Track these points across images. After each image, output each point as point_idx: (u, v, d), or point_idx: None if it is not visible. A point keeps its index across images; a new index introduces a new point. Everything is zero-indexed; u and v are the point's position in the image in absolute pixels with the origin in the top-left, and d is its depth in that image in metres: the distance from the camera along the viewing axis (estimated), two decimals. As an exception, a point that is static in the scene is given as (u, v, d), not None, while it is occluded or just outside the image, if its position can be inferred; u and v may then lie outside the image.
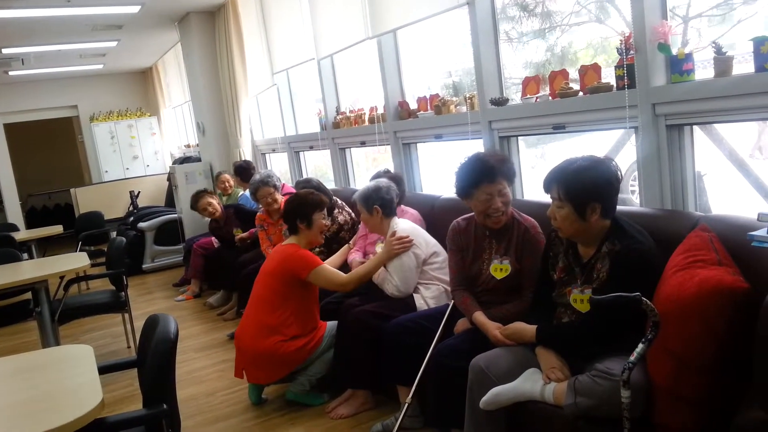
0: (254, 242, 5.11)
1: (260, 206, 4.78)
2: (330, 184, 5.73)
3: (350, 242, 3.94)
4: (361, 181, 5.49)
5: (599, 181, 2.16)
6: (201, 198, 5.63)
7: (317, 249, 4.13)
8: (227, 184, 6.46)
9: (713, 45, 2.39)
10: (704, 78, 2.50)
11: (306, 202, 3.39)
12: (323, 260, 3.49)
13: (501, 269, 2.69)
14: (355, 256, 3.66)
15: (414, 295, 3.19)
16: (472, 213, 2.80)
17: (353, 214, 4.19)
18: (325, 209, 3.46)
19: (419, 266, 3.21)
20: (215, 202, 5.66)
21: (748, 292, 1.78)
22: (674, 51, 2.55)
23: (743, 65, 2.41)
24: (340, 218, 4.06)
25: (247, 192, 5.56)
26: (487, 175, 2.61)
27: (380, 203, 3.28)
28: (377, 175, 3.75)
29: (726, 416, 1.76)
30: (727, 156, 2.83)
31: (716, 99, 2.40)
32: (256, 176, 4.70)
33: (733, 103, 2.35)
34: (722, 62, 2.37)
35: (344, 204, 4.29)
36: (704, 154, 2.77)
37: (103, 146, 10.71)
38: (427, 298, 3.15)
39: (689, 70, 2.52)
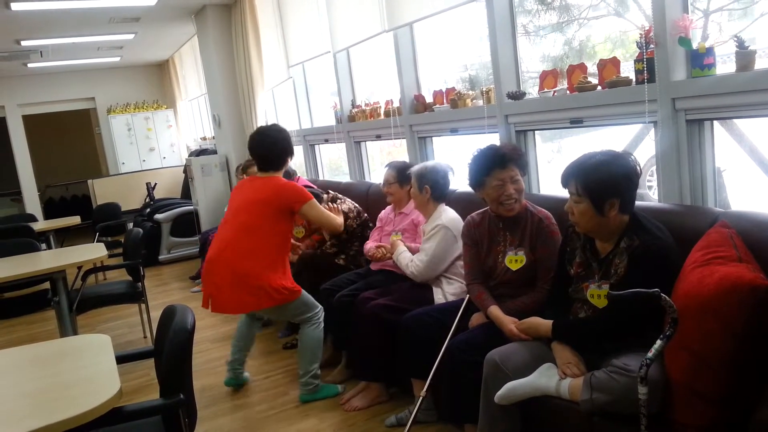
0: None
1: None
2: (345, 178, 5.74)
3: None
4: (376, 174, 5.49)
5: (618, 176, 2.14)
6: (252, 164, 5.56)
7: (329, 242, 4.14)
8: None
9: (735, 39, 2.36)
10: (725, 72, 2.47)
11: (289, 136, 3.45)
12: (338, 250, 3.54)
13: (516, 260, 2.68)
14: (371, 245, 3.68)
15: (434, 288, 3.18)
16: (486, 207, 2.80)
17: (356, 204, 4.19)
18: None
19: (450, 259, 3.19)
20: None
21: (768, 290, 1.76)
22: (695, 45, 2.51)
23: (765, 60, 2.38)
24: (344, 207, 4.06)
25: None
26: (498, 161, 2.64)
27: (431, 184, 3.26)
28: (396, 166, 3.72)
29: (744, 413, 1.75)
30: (747, 152, 2.79)
31: (738, 94, 2.36)
32: None
33: (755, 98, 2.31)
34: (744, 56, 2.33)
35: (344, 196, 4.27)
36: (724, 150, 2.73)
37: (120, 138, 10.79)
38: (447, 293, 3.14)
39: (710, 64, 2.48)
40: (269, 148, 3.39)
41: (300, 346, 3.42)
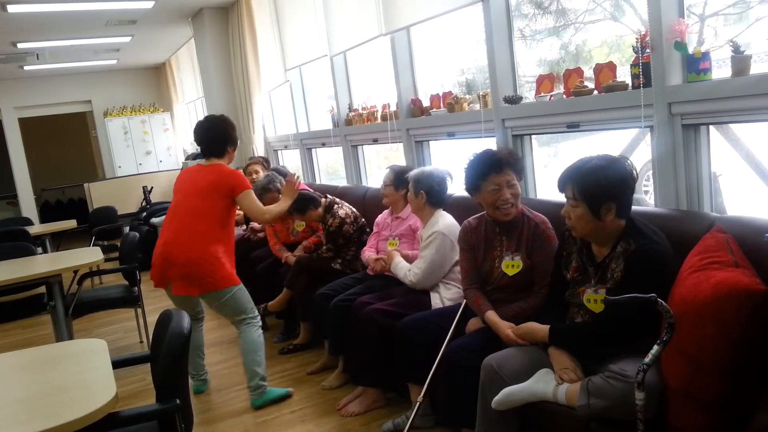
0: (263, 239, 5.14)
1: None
2: (342, 182, 5.74)
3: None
4: (373, 179, 5.49)
5: (614, 181, 2.14)
6: (253, 163, 5.55)
7: (325, 247, 4.13)
8: (254, 177, 6.40)
9: (731, 44, 2.36)
10: (721, 77, 2.48)
11: (232, 125, 3.58)
12: (330, 258, 3.75)
13: (512, 265, 2.68)
14: (370, 253, 3.67)
15: (431, 293, 3.18)
16: (483, 212, 2.81)
17: (354, 209, 4.19)
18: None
19: (448, 265, 3.19)
20: (261, 173, 5.60)
21: (764, 295, 1.76)
22: (691, 50, 2.52)
23: (760, 65, 2.39)
24: (341, 212, 4.05)
25: None
26: (494, 165, 2.64)
27: (427, 190, 3.25)
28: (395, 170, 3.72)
29: (741, 419, 1.75)
30: (743, 157, 2.80)
31: (733, 99, 2.37)
32: (259, 181, 4.60)
33: (750, 102, 2.32)
34: (740, 61, 2.34)
35: (341, 201, 4.27)
36: (720, 155, 2.74)
37: (117, 141, 10.77)
38: (444, 298, 3.14)
39: (706, 69, 2.49)
40: (212, 135, 3.51)
41: (243, 350, 3.47)
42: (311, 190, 4.40)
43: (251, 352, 3.44)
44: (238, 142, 3.67)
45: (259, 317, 3.55)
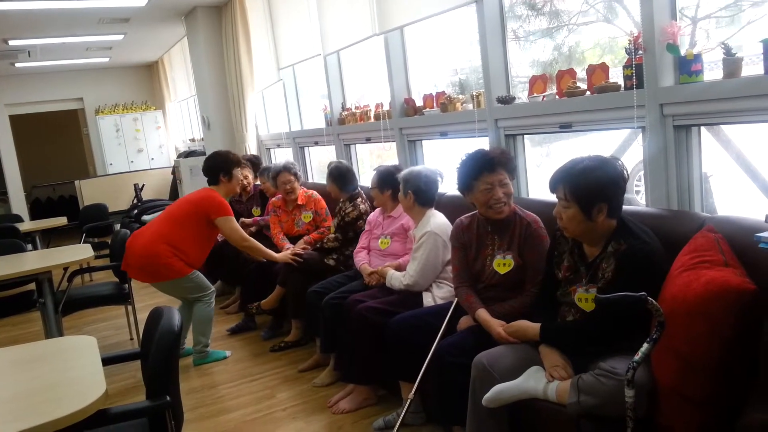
0: (256, 232, 5.13)
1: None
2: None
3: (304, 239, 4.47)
4: (366, 177, 5.49)
5: (606, 181, 2.15)
6: (243, 168, 5.51)
7: (333, 235, 4.10)
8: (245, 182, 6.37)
9: (722, 46, 2.38)
10: (713, 79, 2.50)
11: (229, 159, 4.19)
12: (338, 246, 4.03)
13: (504, 264, 2.69)
14: (364, 264, 3.64)
15: (424, 293, 3.17)
16: (475, 211, 2.81)
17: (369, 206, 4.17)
18: (241, 166, 4.40)
19: (441, 266, 3.19)
20: (250, 177, 5.58)
21: (754, 294, 1.77)
22: (683, 52, 2.54)
23: (752, 67, 2.40)
24: (362, 207, 4.06)
25: (258, 182, 5.54)
26: (487, 165, 2.65)
27: (414, 190, 3.25)
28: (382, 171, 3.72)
29: (731, 417, 1.76)
30: (734, 158, 2.82)
31: (725, 100, 2.39)
32: (279, 162, 4.77)
33: (741, 104, 2.34)
34: (731, 63, 2.36)
35: (365, 196, 4.25)
36: (711, 156, 2.76)
37: (108, 139, 10.73)
38: (437, 297, 3.14)
39: (698, 71, 2.51)
40: (208, 166, 4.21)
41: (193, 320, 4.10)
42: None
43: (201, 324, 4.09)
44: (236, 172, 4.21)
45: (213, 296, 4.15)
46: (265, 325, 4.61)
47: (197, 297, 4.06)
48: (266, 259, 4.26)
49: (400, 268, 3.39)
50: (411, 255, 3.26)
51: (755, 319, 1.77)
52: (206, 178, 4.20)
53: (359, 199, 4.11)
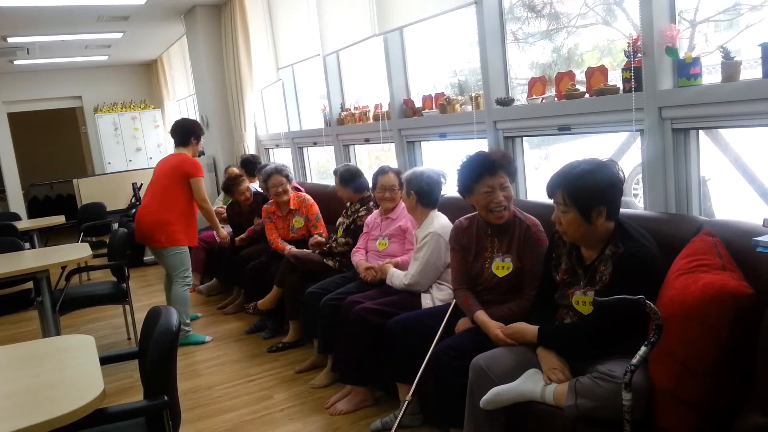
0: (251, 240, 5.14)
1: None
2: (332, 181, 5.71)
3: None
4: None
5: (604, 185, 2.15)
6: (241, 183, 5.44)
7: (342, 239, 4.07)
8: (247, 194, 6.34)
9: (721, 50, 2.39)
10: (711, 82, 2.50)
11: (198, 126, 4.67)
12: (346, 248, 4.06)
13: (503, 267, 2.69)
14: (361, 260, 3.66)
15: (422, 294, 3.18)
16: (475, 212, 2.81)
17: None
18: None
19: (443, 267, 3.18)
20: (247, 181, 5.56)
21: (751, 298, 1.78)
22: (682, 55, 2.54)
23: (750, 71, 2.41)
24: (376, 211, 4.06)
25: (255, 184, 5.54)
26: (488, 168, 2.64)
27: (416, 191, 3.25)
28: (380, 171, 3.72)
29: (727, 420, 1.76)
30: (732, 162, 2.82)
31: (723, 104, 2.39)
32: (270, 164, 4.79)
33: (740, 108, 2.34)
34: (730, 67, 2.37)
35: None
36: (709, 159, 2.76)
37: (107, 138, 10.71)
38: (436, 298, 3.14)
39: (696, 74, 2.52)
40: (178, 129, 4.59)
41: (171, 300, 4.45)
42: (302, 189, 4.37)
43: (177, 303, 4.39)
44: (203, 137, 4.72)
45: (190, 279, 4.54)
46: (271, 329, 4.59)
47: (178, 273, 4.44)
48: (214, 229, 4.88)
49: (398, 266, 3.38)
50: (413, 255, 3.26)
51: (752, 323, 1.77)
52: (174, 140, 4.61)
53: (372, 204, 4.09)
